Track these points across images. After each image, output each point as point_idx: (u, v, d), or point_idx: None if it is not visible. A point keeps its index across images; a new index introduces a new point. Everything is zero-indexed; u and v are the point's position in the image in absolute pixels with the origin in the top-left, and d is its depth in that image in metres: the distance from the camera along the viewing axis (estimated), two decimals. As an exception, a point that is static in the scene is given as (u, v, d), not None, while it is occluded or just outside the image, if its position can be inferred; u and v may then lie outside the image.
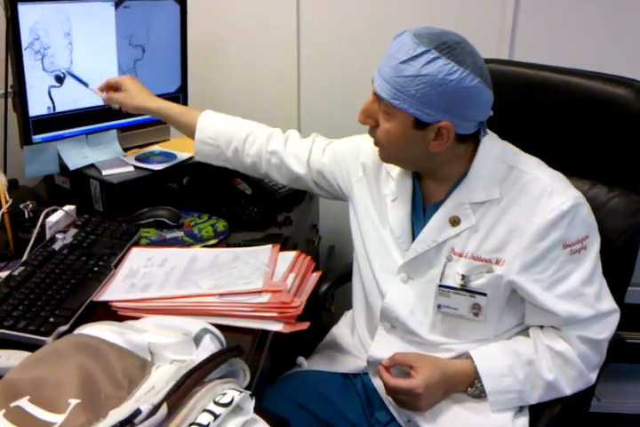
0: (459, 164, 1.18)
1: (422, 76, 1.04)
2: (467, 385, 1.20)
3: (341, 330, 1.47)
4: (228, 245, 1.40)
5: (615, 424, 2.08)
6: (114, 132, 1.65)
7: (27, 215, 1.41)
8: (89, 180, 1.54)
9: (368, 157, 1.32)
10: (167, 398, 0.77)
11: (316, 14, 1.86)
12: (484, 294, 1.18)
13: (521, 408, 1.22)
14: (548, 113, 1.38)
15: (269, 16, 1.87)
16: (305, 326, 1.09)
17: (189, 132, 1.44)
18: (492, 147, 1.18)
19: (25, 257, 1.24)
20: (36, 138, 1.48)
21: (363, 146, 1.33)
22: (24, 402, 0.78)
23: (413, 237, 1.24)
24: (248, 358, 1.00)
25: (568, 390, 1.19)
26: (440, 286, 1.20)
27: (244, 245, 1.35)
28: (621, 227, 1.30)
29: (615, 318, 1.20)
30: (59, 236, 1.30)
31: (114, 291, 1.17)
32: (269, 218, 1.56)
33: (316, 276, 1.24)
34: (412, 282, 1.25)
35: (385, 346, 1.27)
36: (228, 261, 1.26)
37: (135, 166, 1.57)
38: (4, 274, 1.16)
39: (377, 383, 1.29)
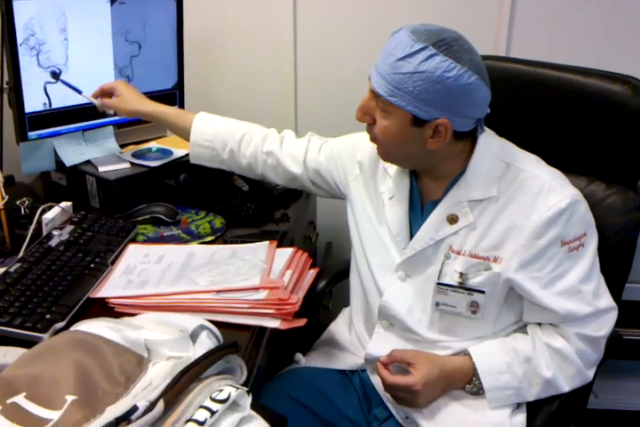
0: (456, 161, 1.18)
1: (420, 73, 1.04)
2: (465, 382, 1.20)
3: (339, 327, 1.47)
4: (225, 242, 1.39)
5: (613, 421, 2.08)
6: (110, 128, 1.64)
7: (23, 212, 1.41)
8: (85, 176, 1.53)
9: (365, 155, 1.32)
10: (164, 394, 0.77)
11: (313, 13, 1.85)
12: (482, 292, 1.18)
13: (519, 405, 1.22)
14: (545, 110, 1.38)
15: (266, 13, 1.86)
16: (302, 322, 1.09)
17: (184, 134, 1.44)
18: (490, 144, 1.18)
19: (21, 254, 1.24)
20: (32, 134, 1.48)
21: (359, 144, 1.33)
22: (20, 399, 0.78)
23: (411, 236, 1.24)
24: (245, 355, 1.00)
25: (566, 387, 1.19)
26: (438, 283, 1.20)
27: (242, 242, 1.35)
28: (619, 224, 1.30)
29: (613, 316, 1.21)
30: (55, 232, 1.29)
31: (110, 287, 1.17)
32: (266, 215, 1.56)
33: (313, 272, 1.24)
34: (410, 280, 1.25)
35: (383, 344, 1.27)
36: (225, 258, 1.26)
37: (132, 163, 1.56)
38: (1, 271, 1.16)
39: (375, 380, 1.29)
